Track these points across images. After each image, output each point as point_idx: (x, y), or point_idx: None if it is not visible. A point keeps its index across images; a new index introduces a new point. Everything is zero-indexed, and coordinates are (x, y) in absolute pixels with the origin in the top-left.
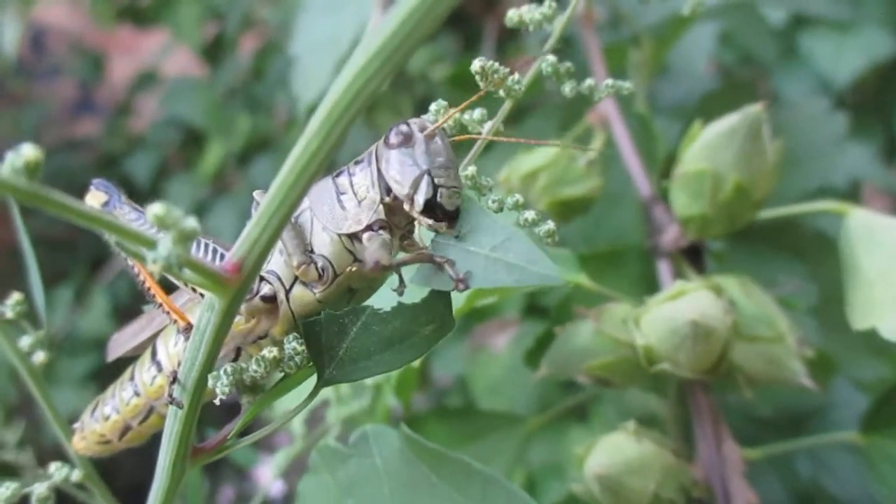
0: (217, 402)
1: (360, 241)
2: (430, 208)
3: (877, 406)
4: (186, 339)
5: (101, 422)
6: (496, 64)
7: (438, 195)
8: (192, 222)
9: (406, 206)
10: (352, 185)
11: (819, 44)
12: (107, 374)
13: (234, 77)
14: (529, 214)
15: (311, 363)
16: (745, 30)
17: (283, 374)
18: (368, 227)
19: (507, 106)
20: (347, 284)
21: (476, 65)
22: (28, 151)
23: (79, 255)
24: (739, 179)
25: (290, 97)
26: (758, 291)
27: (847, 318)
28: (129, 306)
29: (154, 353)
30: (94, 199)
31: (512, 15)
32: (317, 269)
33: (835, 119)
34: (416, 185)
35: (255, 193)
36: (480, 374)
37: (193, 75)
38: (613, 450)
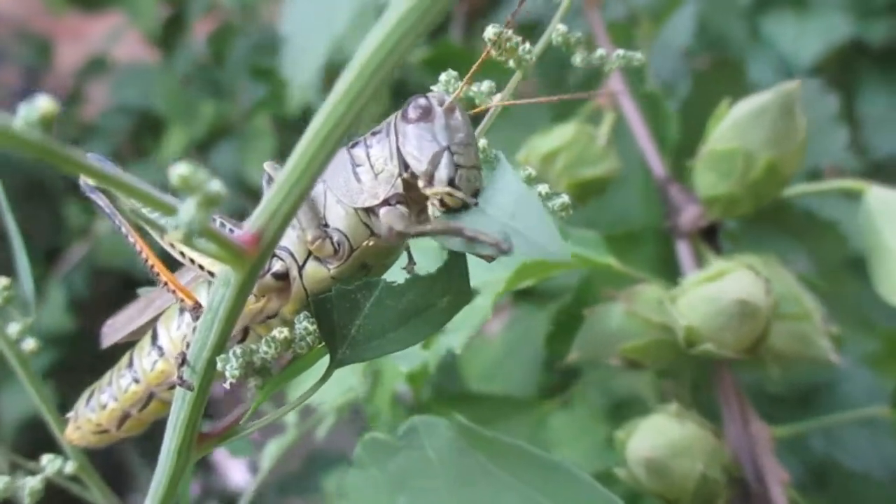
0: (227, 385)
1: (376, 215)
2: (449, 186)
3: None
4: (195, 319)
5: (97, 411)
6: (510, 32)
7: (458, 176)
8: (217, 185)
9: (421, 184)
10: (368, 157)
11: (781, 27)
12: (69, 369)
13: (191, 62)
14: (543, 188)
15: (322, 343)
16: (716, 12)
17: (293, 355)
18: (385, 202)
19: (517, 77)
20: (362, 260)
21: (490, 31)
22: (43, 104)
23: (32, 247)
24: (771, 158)
25: (253, 81)
26: (783, 270)
27: (877, 291)
28: (87, 299)
29: (155, 338)
30: None
31: None
32: (332, 243)
33: (826, 100)
34: (434, 162)
35: (266, 165)
36: (473, 359)
37: (145, 61)
38: (657, 432)
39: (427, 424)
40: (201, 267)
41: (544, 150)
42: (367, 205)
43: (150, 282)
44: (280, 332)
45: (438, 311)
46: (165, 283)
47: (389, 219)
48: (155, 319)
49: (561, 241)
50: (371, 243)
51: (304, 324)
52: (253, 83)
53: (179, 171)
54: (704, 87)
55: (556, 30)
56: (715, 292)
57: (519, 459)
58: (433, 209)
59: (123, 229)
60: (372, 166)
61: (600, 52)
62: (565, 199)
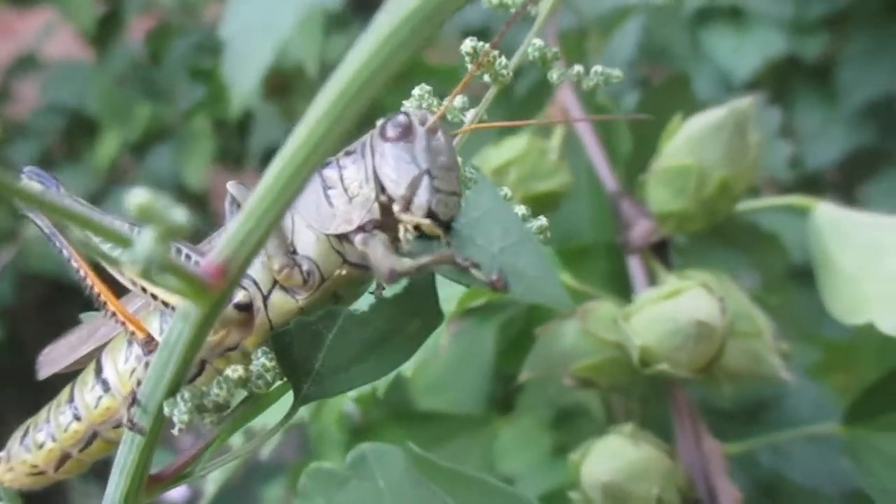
0: (175, 431)
1: (349, 242)
2: (427, 215)
3: (862, 398)
4: (146, 353)
5: (33, 451)
6: (487, 45)
7: (436, 202)
8: (180, 215)
9: (396, 208)
10: (342, 179)
11: (720, 41)
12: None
13: (127, 61)
14: (520, 210)
15: (283, 379)
16: (660, 24)
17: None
18: (360, 228)
19: (491, 92)
20: (333, 290)
21: (467, 45)
22: None
23: None
24: (725, 175)
25: (192, 83)
26: (734, 287)
27: (827, 309)
28: (14, 305)
29: (99, 371)
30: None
31: None
32: (301, 272)
33: (769, 115)
34: (413, 187)
35: (230, 185)
36: (420, 371)
37: (78, 59)
38: (612, 455)
39: (377, 453)
40: (154, 297)
41: (496, 163)
42: (339, 231)
43: (91, 304)
44: (234, 371)
45: (408, 336)
46: (114, 314)
47: (376, 251)
48: (99, 349)
49: (559, 284)
50: (344, 272)
51: (262, 360)
52: (192, 84)
53: (137, 199)
54: (653, 100)
55: (533, 44)
56: (671, 312)
57: (476, 491)
58: (406, 235)
59: (65, 252)
60: (346, 189)
61: (577, 68)
62: (543, 221)
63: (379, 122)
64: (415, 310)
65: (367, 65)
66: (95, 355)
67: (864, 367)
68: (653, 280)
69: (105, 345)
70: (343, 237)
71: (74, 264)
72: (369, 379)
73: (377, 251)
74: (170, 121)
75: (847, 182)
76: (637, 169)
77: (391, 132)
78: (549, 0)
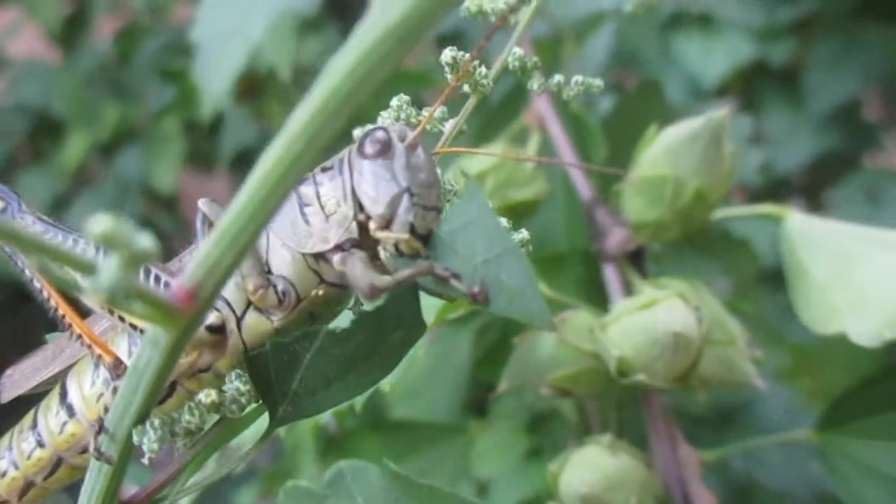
0: (146, 460)
1: (326, 261)
2: (406, 231)
3: (835, 405)
4: (114, 378)
5: None
6: (466, 55)
7: (416, 218)
8: (146, 241)
9: (373, 226)
10: (318, 197)
11: (688, 46)
12: None
13: (94, 61)
14: (502, 221)
15: (259, 401)
16: (632, 29)
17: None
18: (338, 247)
19: (471, 102)
20: (310, 310)
21: (447, 55)
22: None
23: None
24: (701, 185)
25: (161, 84)
26: (709, 295)
27: (800, 318)
28: None
29: (64, 395)
30: None
31: (469, 4)
32: (277, 293)
33: (740, 121)
34: (393, 206)
35: (202, 203)
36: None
37: (44, 59)
38: (590, 465)
39: (355, 471)
40: (122, 319)
41: (472, 171)
42: (316, 250)
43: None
44: (207, 396)
45: (389, 349)
46: (79, 336)
47: (355, 269)
48: (64, 372)
49: (542, 300)
50: (321, 292)
51: (236, 384)
52: (161, 85)
53: (100, 226)
54: (626, 107)
55: (513, 53)
56: (648, 322)
57: None
58: (384, 254)
59: (27, 272)
60: (322, 207)
61: (558, 78)
62: (525, 234)
63: (357, 137)
64: (397, 320)
65: (349, 77)
66: (60, 378)
67: (831, 371)
68: (628, 288)
69: (70, 367)
70: (320, 256)
71: (37, 284)
72: (349, 396)
73: (356, 269)
74: (139, 122)
75: (813, 186)
76: (612, 177)
77: (369, 149)
78: (529, 8)
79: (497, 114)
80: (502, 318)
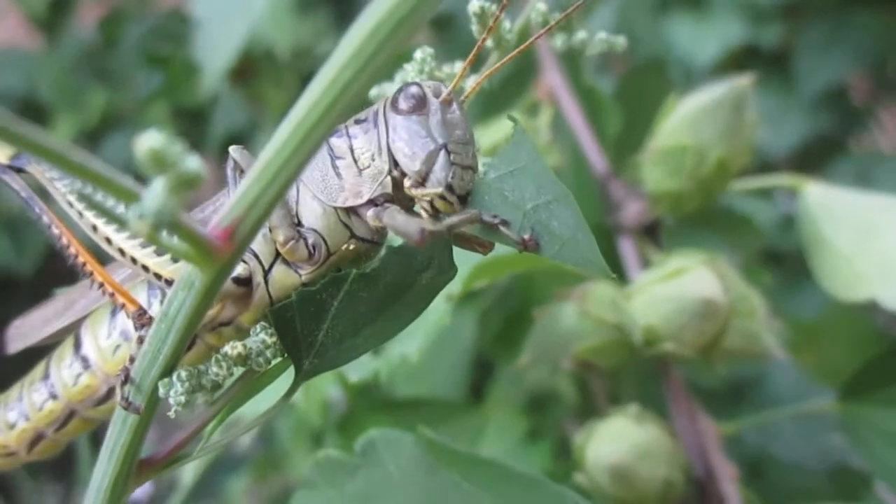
0: (172, 414)
1: (357, 215)
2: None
3: (857, 375)
4: (137, 328)
5: (3, 431)
6: (494, 7)
7: (452, 176)
8: (195, 163)
9: (408, 183)
10: (351, 150)
11: (680, 28)
12: None
13: (78, 47)
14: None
15: (284, 355)
16: (630, 9)
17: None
18: (371, 202)
19: (494, 57)
20: (339, 265)
21: (475, 5)
22: None
23: None
24: (723, 154)
25: (147, 70)
26: (728, 267)
27: (822, 286)
28: None
29: (78, 346)
30: (2, 152)
31: None
32: (307, 246)
33: None
34: (429, 162)
35: (232, 149)
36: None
37: (25, 45)
38: (618, 436)
39: (388, 440)
40: (146, 268)
41: (486, 145)
42: (348, 204)
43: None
44: (233, 348)
45: (419, 290)
46: (101, 285)
47: (397, 220)
48: (77, 323)
49: (595, 247)
50: (351, 246)
51: (262, 336)
52: (148, 71)
53: (149, 142)
54: (631, 85)
55: (536, 9)
56: (676, 291)
57: (493, 475)
58: (421, 212)
59: (45, 218)
60: (356, 160)
61: (581, 34)
62: None
63: (390, 92)
64: (427, 261)
65: (394, 11)
66: (72, 330)
67: (832, 346)
68: (644, 261)
69: (84, 318)
70: (351, 210)
71: (55, 231)
72: (377, 342)
73: (397, 219)
74: (125, 108)
75: (802, 169)
76: (626, 150)
77: (404, 104)
78: None
79: (507, 85)
80: (509, 297)
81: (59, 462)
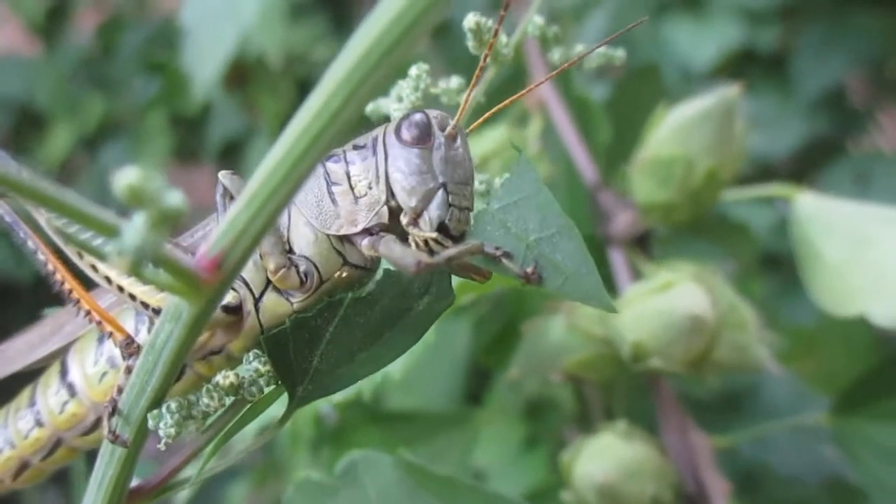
0: (162, 446)
1: (351, 242)
2: (438, 229)
3: (849, 388)
4: (125, 357)
5: None
6: (490, 22)
7: (448, 217)
8: (176, 199)
9: (405, 220)
10: (348, 176)
11: (679, 31)
12: None
13: (76, 54)
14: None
15: (278, 382)
16: (625, 11)
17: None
18: (366, 231)
19: (490, 73)
20: (331, 293)
21: (470, 20)
22: None
23: None
24: (712, 165)
25: (145, 76)
26: (719, 279)
27: (813, 299)
28: None
29: (64, 373)
30: None
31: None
32: (299, 273)
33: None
34: (426, 200)
35: (222, 175)
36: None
37: (26, 52)
38: (606, 454)
39: (367, 462)
40: (132, 296)
41: (476, 154)
42: (342, 232)
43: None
44: (225, 378)
45: (416, 315)
46: (88, 313)
47: (394, 250)
48: (64, 349)
49: (599, 281)
50: (344, 274)
51: (255, 364)
52: (145, 78)
53: (127, 179)
54: (625, 91)
55: (533, 23)
56: (663, 306)
57: (477, 499)
58: (414, 247)
59: (31, 243)
60: (352, 188)
61: (579, 48)
62: None
63: (393, 118)
64: (424, 286)
65: (392, 28)
66: (59, 356)
67: (828, 354)
68: (635, 272)
69: (70, 344)
70: (345, 237)
71: (41, 257)
72: (373, 368)
73: (394, 250)
74: (123, 115)
75: (799, 170)
76: (616, 160)
77: (407, 134)
78: None
79: (497, 96)
80: (502, 306)
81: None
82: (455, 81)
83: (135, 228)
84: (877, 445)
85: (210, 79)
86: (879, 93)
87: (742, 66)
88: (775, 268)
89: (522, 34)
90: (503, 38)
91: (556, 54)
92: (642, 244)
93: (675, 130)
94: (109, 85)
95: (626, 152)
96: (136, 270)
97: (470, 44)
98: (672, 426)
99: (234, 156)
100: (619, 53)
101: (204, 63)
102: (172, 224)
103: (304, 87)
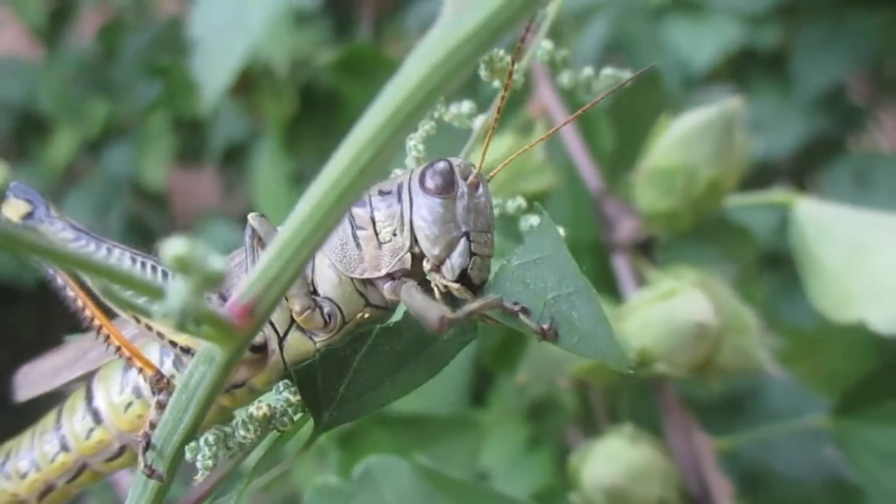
0: (199, 478)
1: (373, 285)
2: (459, 277)
3: (850, 391)
4: (155, 392)
5: (14, 479)
6: (501, 52)
7: (470, 265)
8: (218, 263)
9: (427, 266)
10: (373, 222)
11: (677, 32)
12: None
13: (78, 58)
14: (534, 221)
15: (305, 410)
16: (625, 16)
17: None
18: (389, 276)
19: (502, 98)
20: (354, 332)
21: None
22: None
23: None
24: (714, 175)
25: (147, 79)
26: (721, 284)
27: (814, 306)
28: None
29: (90, 399)
30: (13, 210)
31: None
32: (322, 314)
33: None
34: (449, 248)
35: (251, 217)
36: None
37: (28, 56)
38: (613, 458)
39: (383, 467)
40: (161, 335)
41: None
42: (366, 276)
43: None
44: (258, 409)
45: (441, 346)
46: (118, 349)
47: (415, 299)
48: (89, 375)
49: (615, 341)
50: (367, 315)
51: (285, 395)
52: (148, 81)
53: (174, 250)
54: (626, 99)
55: (541, 47)
56: (668, 313)
57: (492, 502)
58: (436, 292)
59: (59, 280)
60: (377, 233)
61: (587, 71)
62: (535, 221)
63: (418, 167)
64: None
65: (421, 86)
66: (84, 381)
67: (829, 355)
68: (639, 278)
69: (95, 371)
70: (368, 280)
71: (70, 293)
72: (397, 395)
73: (416, 300)
74: (126, 118)
75: (800, 170)
76: (620, 168)
77: (430, 183)
78: (555, 3)
79: (503, 116)
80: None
81: None
82: (466, 106)
83: (178, 292)
84: (877, 447)
85: (219, 89)
86: (879, 92)
87: (742, 66)
88: (776, 267)
89: (531, 58)
90: (509, 59)
91: (564, 78)
92: (645, 250)
93: (678, 141)
94: (112, 88)
95: (628, 159)
96: (179, 328)
97: (483, 73)
98: (676, 429)
99: (236, 159)
100: (626, 75)
101: (213, 74)
102: (214, 286)
103: (306, 92)
